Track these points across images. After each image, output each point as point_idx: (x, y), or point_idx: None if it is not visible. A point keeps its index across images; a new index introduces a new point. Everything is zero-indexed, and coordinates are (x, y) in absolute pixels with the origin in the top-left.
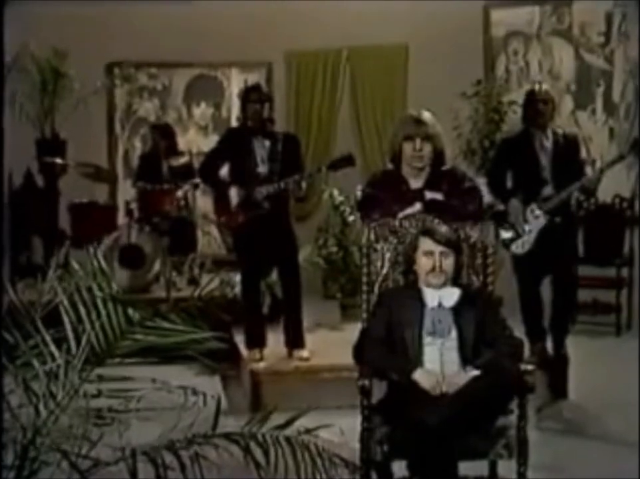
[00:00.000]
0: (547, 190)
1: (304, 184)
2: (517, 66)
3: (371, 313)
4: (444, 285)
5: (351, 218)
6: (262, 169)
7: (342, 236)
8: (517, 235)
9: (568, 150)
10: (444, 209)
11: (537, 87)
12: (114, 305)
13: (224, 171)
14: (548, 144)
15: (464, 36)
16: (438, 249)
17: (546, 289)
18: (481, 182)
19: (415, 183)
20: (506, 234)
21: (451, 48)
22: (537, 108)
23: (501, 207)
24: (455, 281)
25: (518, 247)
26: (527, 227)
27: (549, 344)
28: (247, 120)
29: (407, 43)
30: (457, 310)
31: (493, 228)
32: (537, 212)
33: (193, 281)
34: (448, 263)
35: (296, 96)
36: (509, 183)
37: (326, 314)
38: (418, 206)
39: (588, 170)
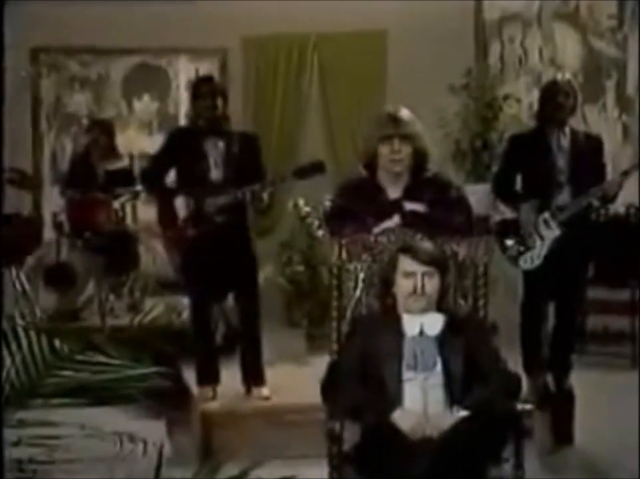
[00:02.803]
0: (563, 196)
1: (265, 194)
2: (513, 55)
3: (342, 344)
4: (426, 310)
5: (319, 233)
6: (215, 175)
7: (309, 253)
8: (527, 248)
9: (588, 151)
10: (427, 222)
11: (559, 77)
12: (38, 336)
13: (170, 177)
14: (566, 142)
15: (451, 20)
16: (419, 268)
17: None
18: (472, 190)
19: (393, 192)
20: (515, 247)
21: (436, 34)
22: (557, 101)
23: (508, 214)
24: (440, 305)
25: (527, 262)
26: (538, 239)
27: (552, 379)
28: (198, 117)
29: (385, 29)
30: (442, 339)
31: (484, 243)
32: (551, 222)
33: (134, 307)
34: (432, 284)
35: (255, 90)
36: (518, 188)
37: (291, 345)
38: (396, 219)
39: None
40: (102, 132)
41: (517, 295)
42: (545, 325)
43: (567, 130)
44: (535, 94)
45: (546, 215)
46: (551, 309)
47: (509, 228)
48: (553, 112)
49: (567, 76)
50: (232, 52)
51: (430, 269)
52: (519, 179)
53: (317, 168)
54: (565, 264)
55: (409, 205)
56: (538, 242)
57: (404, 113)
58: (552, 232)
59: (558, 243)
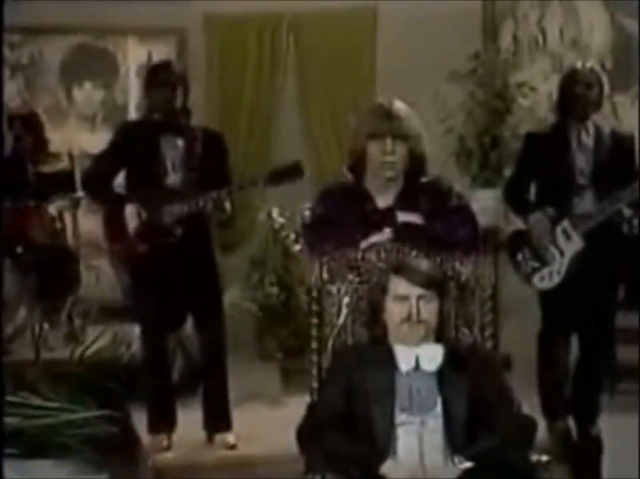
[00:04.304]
0: (585, 202)
1: (227, 202)
2: (529, 35)
3: (324, 381)
4: (423, 340)
5: (297, 248)
6: (173, 179)
7: (283, 273)
8: (543, 264)
9: (616, 149)
10: (424, 236)
11: (579, 65)
12: None
13: (119, 181)
14: (589, 140)
15: None
16: (414, 291)
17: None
18: (479, 197)
19: (383, 201)
20: (528, 262)
21: (436, 11)
22: (577, 92)
23: (522, 225)
24: (439, 335)
25: (544, 281)
26: (556, 253)
27: (575, 425)
28: (152, 110)
29: (375, 6)
30: (442, 376)
31: (493, 261)
32: (572, 232)
33: (73, 337)
34: (429, 310)
35: (220, 79)
36: (532, 193)
37: (262, 382)
38: (387, 232)
39: None
40: (26, 128)
41: (534, 322)
42: (567, 359)
43: (589, 125)
44: (555, 82)
45: (565, 224)
46: (574, 340)
47: (522, 241)
48: (573, 105)
49: (590, 63)
50: (192, 32)
51: (427, 292)
52: (533, 184)
53: (293, 171)
54: (590, 284)
55: (402, 216)
56: (557, 257)
57: (399, 107)
58: (573, 245)
59: (581, 258)
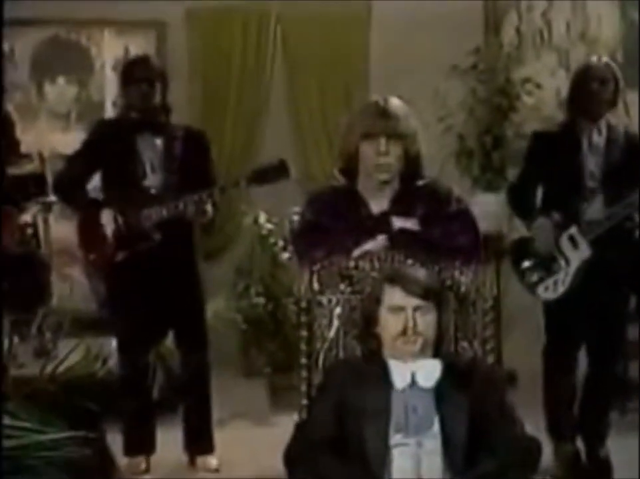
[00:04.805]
0: (595, 207)
1: (208, 205)
2: (533, 28)
3: (313, 399)
4: (420, 354)
5: (285, 256)
6: (152, 181)
7: (271, 282)
8: (548, 273)
9: (629, 152)
10: (421, 244)
11: (593, 60)
12: None
13: (94, 184)
14: (600, 140)
15: None
16: (411, 302)
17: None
18: (480, 201)
19: (378, 205)
20: (533, 271)
21: (435, 4)
22: (591, 89)
23: (527, 231)
24: (437, 349)
25: (549, 291)
26: (562, 262)
27: (583, 446)
28: (129, 108)
29: None
30: (440, 393)
31: (495, 270)
32: (579, 239)
33: (44, 352)
34: (426, 322)
35: (203, 74)
36: (538, 197)
37: (248, 399)
38: (381, 239)
39: None
40: None
41: (539, 335)
42: (574, 375)
43: (602, 125)
44: (561, 78)
45: (573, 230)
46: (582, 354)
47: (527, 248)
48: (586, 103)
49: (605, 58)
50: (172, 25)
51: (424, 303)
52: (539, 188)
53: (279, 171)
54: (599, 295)
55: (398, 222)
56: (563, 265)
57: (394, 104)
58: (581, 253)
59: (589, 267)
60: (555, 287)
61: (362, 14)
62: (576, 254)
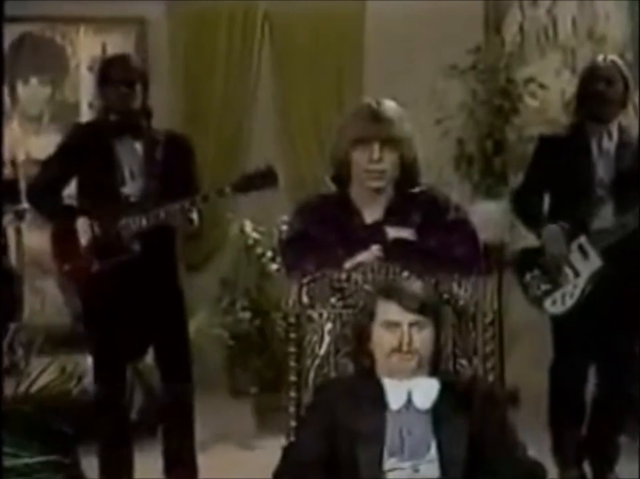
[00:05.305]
0: (605, 216)
1: (194, 213)
2: (537, 26)
3: (303, 420)
4: (416, 373)
5: (273, 267)
6: (131, 188)
7: (258, 295)
8: (555, 286)
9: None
10: (416, 255)
11: (600, 59)
12: None
13: (69, 191)
14: (611, 145)
15: None
16: (406, 317)
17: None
18: (481, 209)
19: (371, 214)
20: (538, 284)
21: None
22: (597, 90)
23: (532, 241)
24: (434, 367)
25: (556, 305)
26: (571, 274)
27: (591, 470)
28: (107, 110)
29: None
30: (437, 414)
31: (496, 282)
32: (589, 249)
33: (15, 370)
34: (423, 338)
35: (186, 75)
36: (545, 205)
37: (233, 421)
38: (375, 250)
39: None
40: None
41: (544, 352)
42: (584, 394)
43: (613, 128)
44: (566, 78)
45: (582, 240)
46: (591, 373)
47: (532, 259)
48: (593, 104)
49: (612, 57)
50: (154, 23)
51: (420, 318)
52: (546, 195)
53: (266, 178)
54: (609, 308)
55: (392, 232)
56: (571, 277)
57: (388, 107)
58: (590, 264)
59: (599, 279)
60: (563, 300)
61: (356, 11)
62: (586, 265)
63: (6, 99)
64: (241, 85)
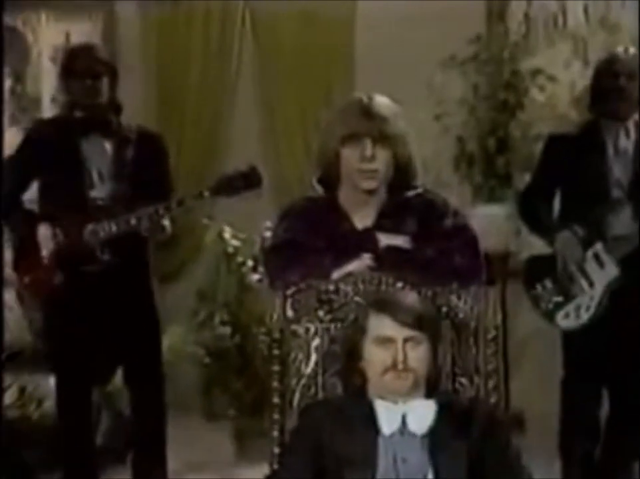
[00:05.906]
0: (622, 221)
1: (166, 220)
2: (545, 13)
3: (287, 445)
4: (411, 393)
5: (254, 277)
6: (99, 192)
7: (238, 309)
8: (568, 298)
9: None
10: (412, 264)
11: (620, 51)
12: None
13: (30, 195)
14: (629, 144)
15: None
16: (400, 332)
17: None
18: (483, 213)
19: (362, 220)
20: (549, 296)
21: None
22: (617, 85)
23: (542, 249)
24: (431, 387)
25: (569, 319)
26: (585, 284)
27: None
28: (72, 105)
29: None
30: (435, 439)
31: (499, 294)
32: (605, 258)
33: None
34: (419, 356)
35: (158, 66)
36: (556, 209)
37: (210, 447)
38: (366, 259)
39: None
40: None
41: (553, 371)
42: (598, 416)
43: (630, 125)
44: (577, 70)
45: (598, 248)
46: (605, 393)
47: (542, 269)
48: (610, 100)
49: (634, 49)
50: (122, 9)
51: (415, 334)
52: (556, 198)
53: (249, 180)
54: (626, 323)
55: (385, 239)
56: (586, 289)
57: (381, 102)
58: (606, 274)
59: (615, 290)
60: (577, 313)
61: (344, 6)
62: (601, 275)
63: None
64: (220, 78)
